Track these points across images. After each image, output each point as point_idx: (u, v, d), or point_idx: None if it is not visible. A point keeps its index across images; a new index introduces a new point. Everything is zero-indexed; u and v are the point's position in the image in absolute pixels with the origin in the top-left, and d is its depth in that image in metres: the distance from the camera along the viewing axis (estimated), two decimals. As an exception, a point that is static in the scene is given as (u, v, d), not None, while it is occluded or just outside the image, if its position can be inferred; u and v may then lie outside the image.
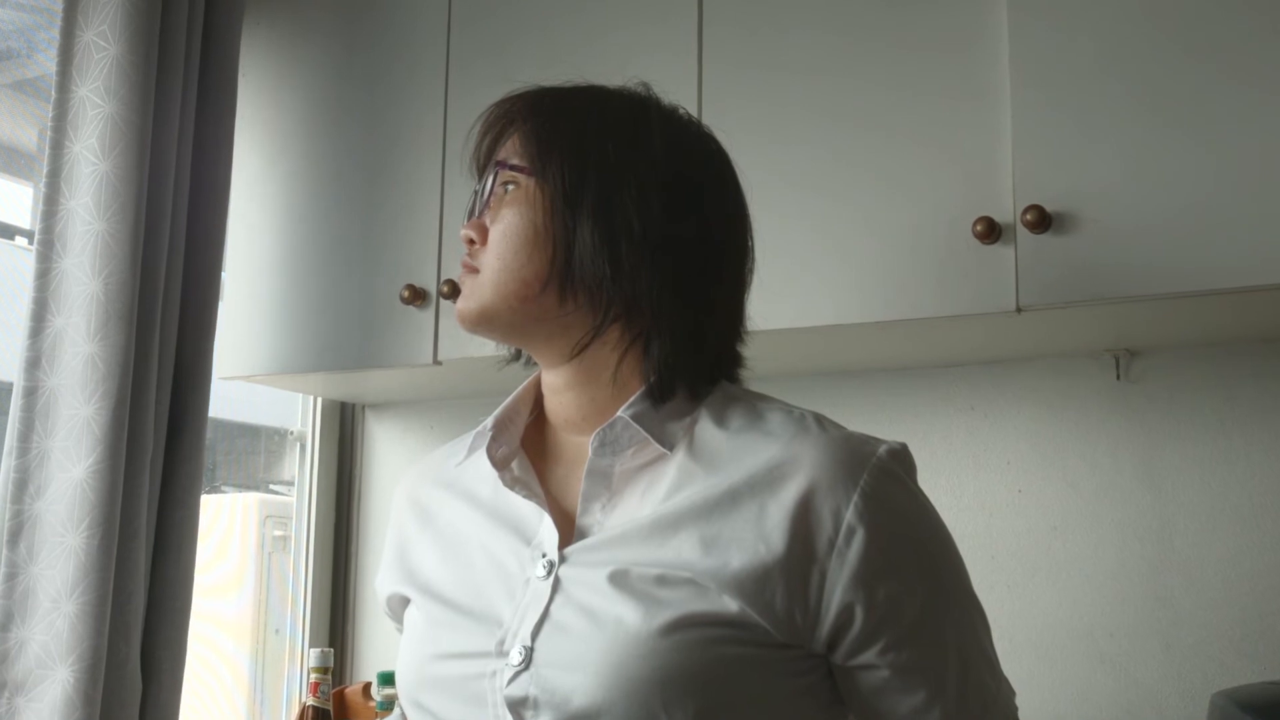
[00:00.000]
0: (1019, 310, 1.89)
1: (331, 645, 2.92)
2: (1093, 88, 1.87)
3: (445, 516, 1.41)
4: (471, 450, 1.38)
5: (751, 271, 1.40)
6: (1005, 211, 1.90)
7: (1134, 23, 1.86)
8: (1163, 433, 2.20)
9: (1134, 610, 2.18)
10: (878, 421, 2.33)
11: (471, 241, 1.34)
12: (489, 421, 1.37)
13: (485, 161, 1.37)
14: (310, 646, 2.86)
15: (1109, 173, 1.84)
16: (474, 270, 1.33)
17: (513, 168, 1.32)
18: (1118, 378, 2.24)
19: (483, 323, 1.32)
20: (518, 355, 1.46)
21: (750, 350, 1.41)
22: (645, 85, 1.38)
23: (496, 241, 1.31)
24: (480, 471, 1.38)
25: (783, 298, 2.00)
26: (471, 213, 1.37)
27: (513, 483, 1.33)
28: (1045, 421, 2.29)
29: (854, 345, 2.23)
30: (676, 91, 1.39)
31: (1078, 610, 2.23)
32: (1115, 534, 2.22)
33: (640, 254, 1.28)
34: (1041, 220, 1.84)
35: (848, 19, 2.08)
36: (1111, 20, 1.87)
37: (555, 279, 1.29)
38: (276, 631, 2.97)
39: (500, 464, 1.35)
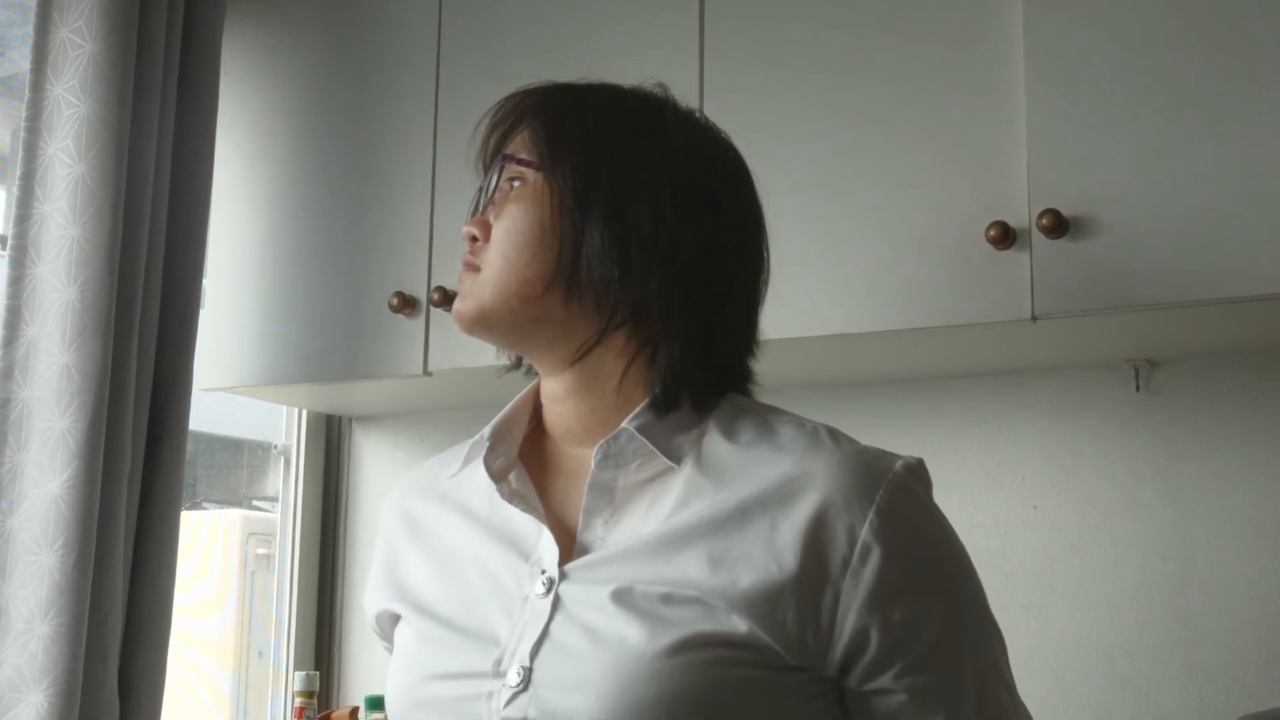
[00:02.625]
0: (1034, 319, 1.89)
1: (317, 668, 2.91)
2: (1111, 85, 1.87)
3: (437, 530, 1.41)
4: (467, 460, 1.37)
5: (766, 283, 1.39)
6: (1020, 215, 1.90)
7: (1154, 17, 1.85)
8: (1184, 446, 2.20)
9: (1155, 631, 2.18)
10: (886, 435, 2.31)
11: (474, 239, 1.33)
12: (486, 431, 1.37)
13: (492, 158, 1.37)
14: (295, 669, 2.86)
15: (1128, 174, 1.84)
16: (475, 269, 1.33)
17: (521, 162, 1.32)
18: (1137, 389, 2.24)
19: (481, 324, 1.32)
20: (518, 363, 1.46)
21: (756, 364, 1.41)
22: (662, 86, 1.38)
23: (500, 239, 1.30)
24: (475, 483, 1.37)
25: (787, 305, 1.99)
26: (475, 209, 1.36)
27: (510, 495, 1.33)
28: (1062, 435, 2.29)
29: (861, 355, 2.22)
30: (677, 89, 1.39)
31: (1096, 631, 2.22)
32: (1135, 552, 2.21)
33: (651, 257, 1.27)
34: (1057, 224, 1.84)
35: (855, 13, 2.08)
36: (1131, 15, 1.87)
37: (561, 280, 1.28)
38: (260, 654, 2.96)
39: (497, 475, 1.34)
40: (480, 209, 1.36)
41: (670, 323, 1.29)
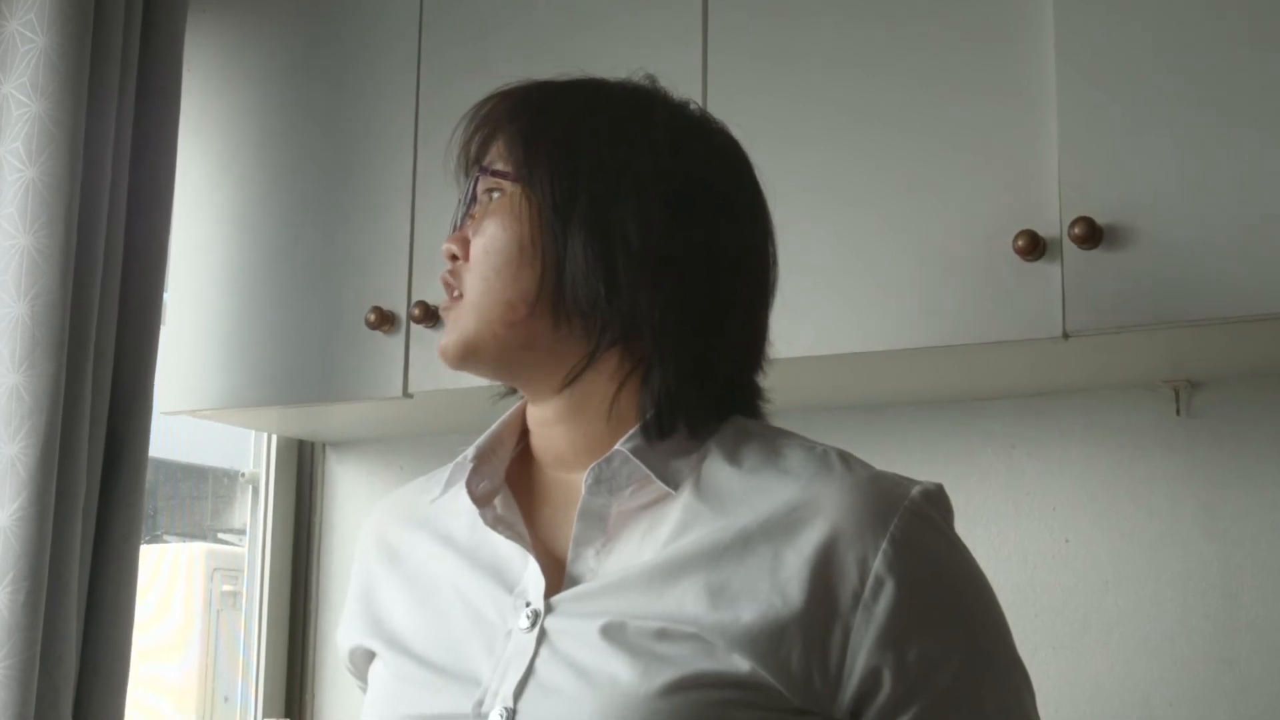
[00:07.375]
0: (1066, 336, 1.88)
1: (288, 715, 2.91)
2: (1149, 83, 1.87)
3: (417, 559, 1.41)
4: (449, 484, 1.37)
5: (774, 292, 1.39)
6: (1050, 224, 1.90)
7: (1195, 10, 1.85)
8: (1229, 474, 2.19)
9: (1196, 675, 2.17)
10: (907, 461, 2.30)
11: (454, 257, 1.34)
12: (470, 452, 1.37)
13: (469, 169, 1.37)
14: (264, 717, 2.85)
15: (1167, 180, 1.84)
16: (455, 291, 1.33)
17: (495, 173, 1.32)
18: (1177, 412, 2.23)
19: (468, 357, 1.32)
20: (513, 392, 1.45)
21: (763, 380, 1.40)
22: (651, 78, 1.38)
23: (479, 259, 1.31)
24: (457, 508, 1.37)
25: (797, 321, 1.98)
26: (455, 225, 1.36)
27: (495, 522, 1.33)
28: (1096, 462, 2.28)
29: (880, 375, 2.22)
30: (679, 86, 1.39)
31: (1132, 675, 2.22)
32: (1175, 589, 2.21)
33: (639, 270, 1.27)
34: (1091, 234, 1.84)
35: (872, 4, 2.08)
36: (1170, 7, 1.87)
37: (546, 300, 1.28)
38: (225, 699, 2.96)
39: (481, 500, 1.34)
40: (458, 225, 1.36)
41: (663, 341, 1.28)
